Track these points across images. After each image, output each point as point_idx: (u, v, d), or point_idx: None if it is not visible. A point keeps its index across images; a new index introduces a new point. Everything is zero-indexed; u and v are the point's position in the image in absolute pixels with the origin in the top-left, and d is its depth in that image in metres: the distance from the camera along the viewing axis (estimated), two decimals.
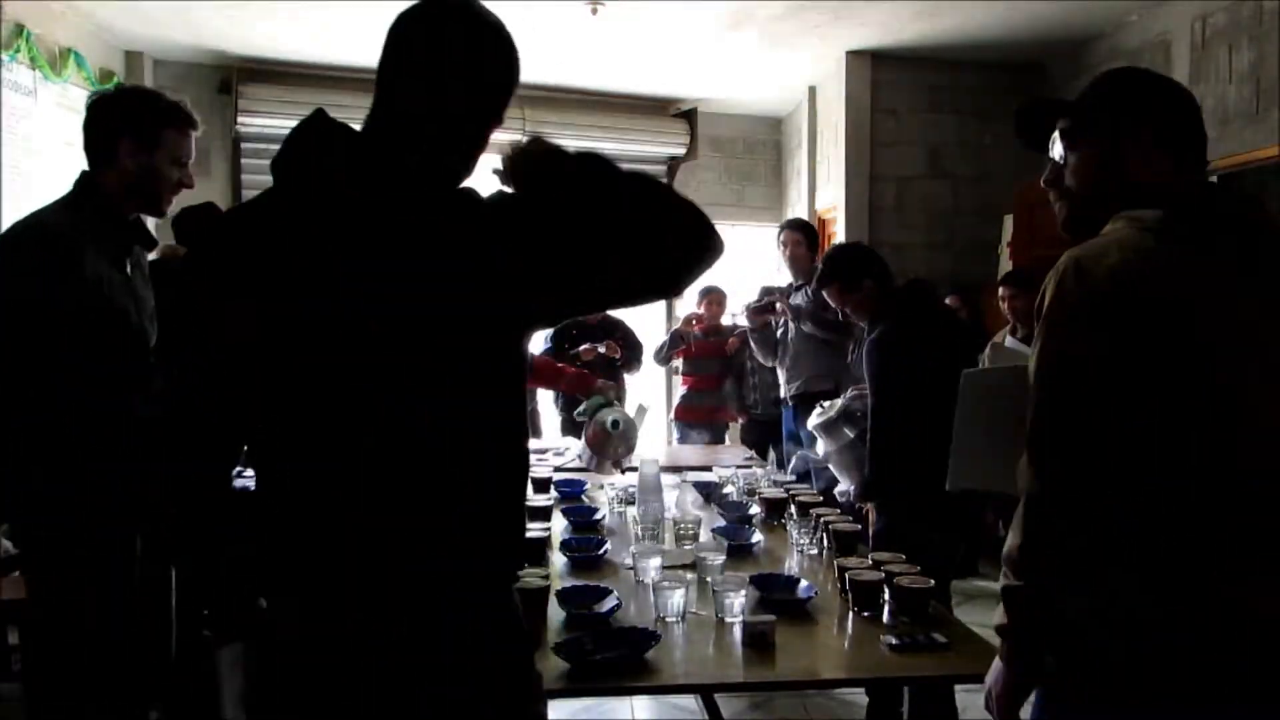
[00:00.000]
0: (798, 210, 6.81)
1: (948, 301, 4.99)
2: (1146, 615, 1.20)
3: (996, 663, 1.37)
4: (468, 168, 1.23)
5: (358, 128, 1.19)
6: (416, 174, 1.15)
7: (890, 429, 2.80)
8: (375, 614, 1.11)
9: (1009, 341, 4.30)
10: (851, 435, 3.02)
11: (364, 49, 5.59)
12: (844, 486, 3.13)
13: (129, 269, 2.03)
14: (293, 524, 1.13)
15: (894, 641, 1.86)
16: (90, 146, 2.01)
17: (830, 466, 3.28)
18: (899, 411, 2.78)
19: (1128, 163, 1.32)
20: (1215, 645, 1.17)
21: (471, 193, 1.18)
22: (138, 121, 1.99)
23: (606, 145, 6.53)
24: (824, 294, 3.09)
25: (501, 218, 1.16)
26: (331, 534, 1.11)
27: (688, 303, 6.39)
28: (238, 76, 5.81)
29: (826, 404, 3.22)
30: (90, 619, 1.92)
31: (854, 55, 5.66)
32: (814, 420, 3.19)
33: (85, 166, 2.03)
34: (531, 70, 6.13)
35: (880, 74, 5.73)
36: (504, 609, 1.21)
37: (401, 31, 1.19)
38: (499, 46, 1.22)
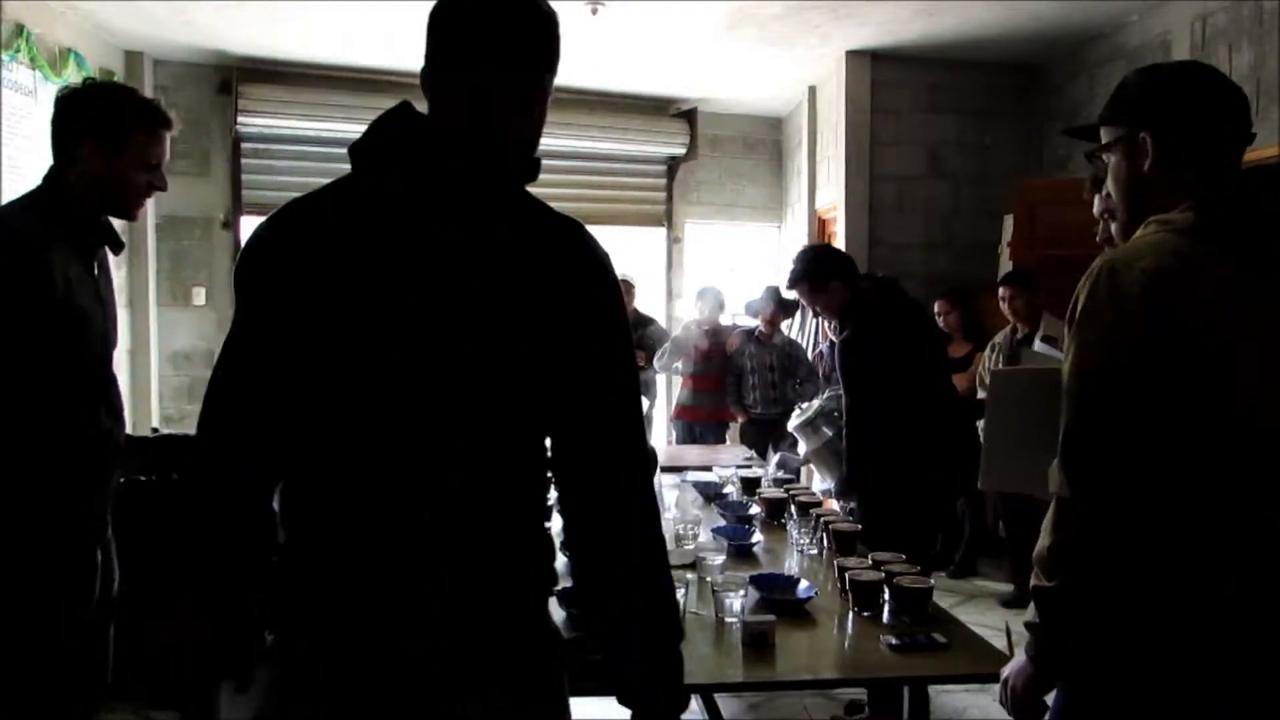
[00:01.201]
0: (798, 210, 6.81)
1: (936, 306, 4.99)
2: (1181, 619, 1.20)
3: (1020, 657, 1.37)
4: (528, 146, 1.21)
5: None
6: (481, 176, 1.14)
7: (865, 426, 2.88)
8: (405, 627, 1.08)
9: (1039, 346, 4.30)
10: (830, 434, 3.10)
11: (364, 49, 5.61)
12: (825, 484, 3.22)
13: (95, 270, 1.95)
14: (323, 535, 1.11)
15: (894, 641, 1.86)
16: (56, 144, 1.91)
17: (812, 465, 3.37)
18: (873, 409, 2.88)
19: (1145, 170, 1.33)
20: (1250, 651, 1.17)
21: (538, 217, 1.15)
22: (106, 124, 1.88)
23: (606, 145, 6.53)
24: (794, 292, 3.23)
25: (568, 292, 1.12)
26: (365, 544, 1.09)
27: (685, 303, 6.39)
28: (238, 76, 5.81)
29: (805, 405, 3.31)
30: (48, 631, 1.87)
31: (854, 55, 5.66)
32: (794, 421, 3.30)
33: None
34: None
35: (880, 74, 5.73)
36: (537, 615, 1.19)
37: (438, 25, 1.20)
38: (531, 19, 1.19)
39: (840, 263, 3.13)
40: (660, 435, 5.98)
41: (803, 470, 5.02)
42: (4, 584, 1.85)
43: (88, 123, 1.89)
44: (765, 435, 5.06)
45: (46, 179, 1.93)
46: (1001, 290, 4.40)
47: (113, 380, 2.00)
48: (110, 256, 2.06)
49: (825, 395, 3.24)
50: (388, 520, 1.08)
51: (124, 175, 1.91)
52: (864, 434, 2.89)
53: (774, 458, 4.24)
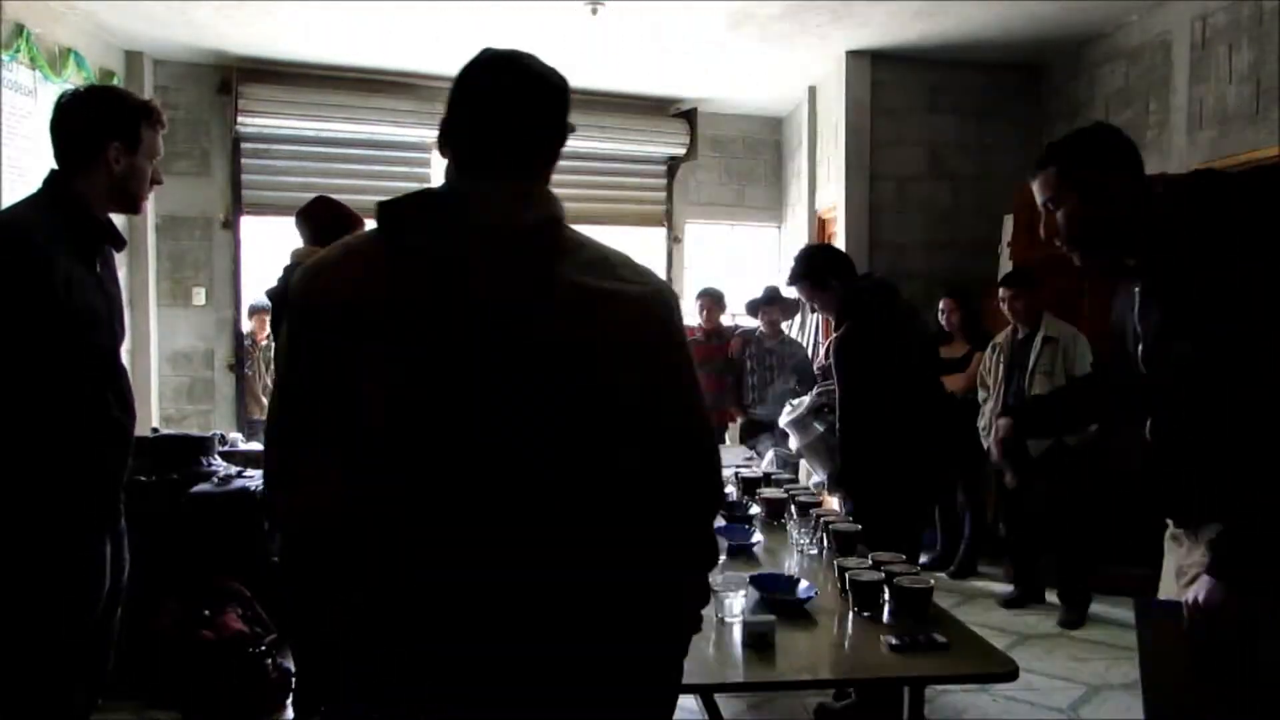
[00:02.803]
0: (798, 210, 6.81)
1: (940, 304, 4.99)
2: None
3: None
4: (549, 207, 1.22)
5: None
6: (521, 229, 1.14)
7: (857, 422, 2.99)
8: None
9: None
10: (821, 429, 3.19)
11: (364, 49, 5.61)
12: (818, 478, 3.34)
13: (98, 268, 1.99)
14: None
15: (894, 641, 1.86)
16: (71, 148, 1.96)
17: (803, 460, 3.51)
18: (865, 405, 2.98)
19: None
20: None
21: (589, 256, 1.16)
22: (122, 123, 1.96)
23: (606, 145, 6.53)
24: (795, 290, 3.35)
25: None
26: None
27: (686, 304, 6.39)
28: (238, 76, 5.81)
29: (795, 401, 3.41)
30: (58, 625, 1.88)
31: (854, 55, 5.66)
32: (785, 418, 3.39)
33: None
34: None
35: (880, 74, 5.73)
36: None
37: (467, 88, 1.20)
38: (553, 97, 1.22)
39: (839, 262, 3.22)
40: None
41: (801, 465, 5.03)
42: (13, 575, 1.87)
43: (110, 125, 1.96)
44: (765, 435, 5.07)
45: (48, 181, 1.97)
46: (1001, 290, 4.39)
47: (122, 373, 2.04)
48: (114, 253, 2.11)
49: (815, 391, 3.33)
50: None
51: (143, 170, 2.00)
52: (856, 428, 2.97)
53: (768, 454, 4.29)
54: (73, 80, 4.78)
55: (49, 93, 4.60)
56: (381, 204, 1.15)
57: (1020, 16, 4.96)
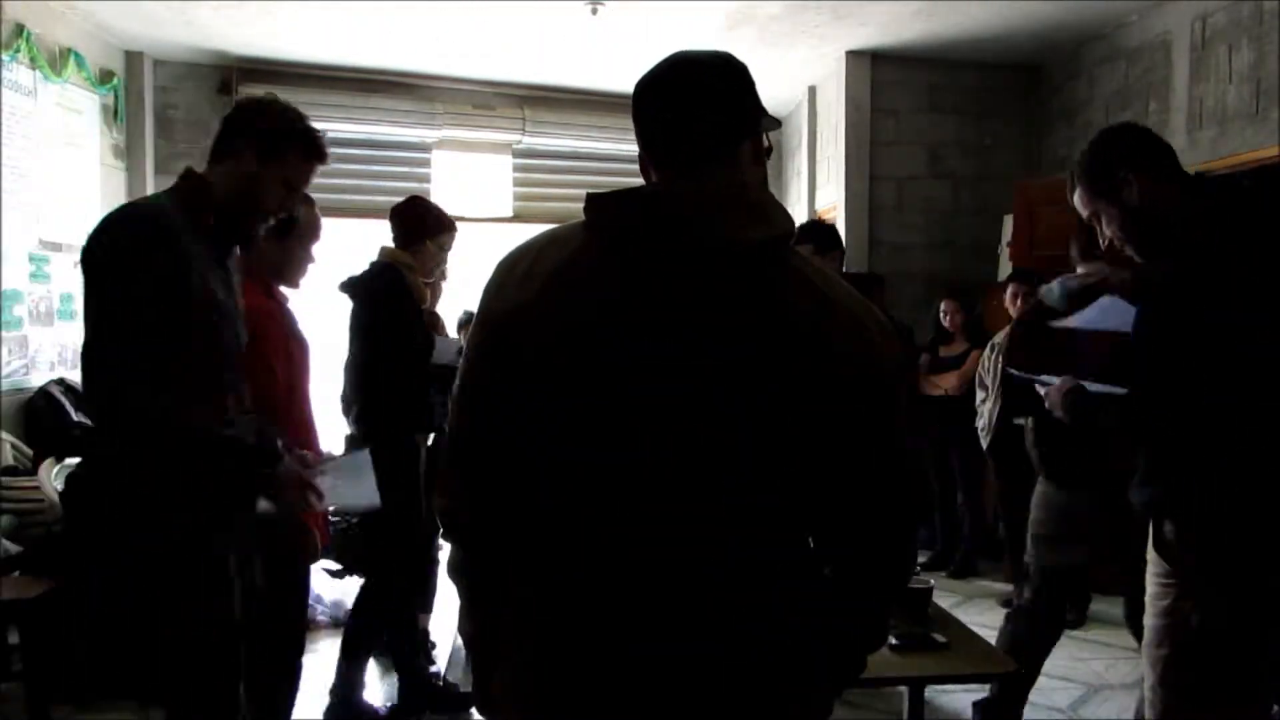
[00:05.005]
0: (797, 211, 6.81)
1: (943, 305, 5.00)
2: None
3: None
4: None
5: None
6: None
7: None
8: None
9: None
10: None
11: (364, 49, 5.60)
12: None
13: (229, 269, 1.98)
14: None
15: (894, 641, 1.86)
16: (216, 145, 1.95)
17: None
18: None
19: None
20: None
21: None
22: (265, 133, 1.94)
23: (606, 145, 6.52)
24: None
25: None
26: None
27: None
28: (238, 76, 5.81)
29: None
30: (197, 627, 1.86)
31: (854, 55, 5.66)
32: None
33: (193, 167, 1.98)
34: (531, 70, 6.14)
35: (880, 74, 5.73)
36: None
37: (648, 91, 1.17)
38: (733, 81, 1.18)
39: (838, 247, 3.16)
40: None
41: None
42: (161, 577, 1.83)
43: (253, 130, 1.94)
44: None
45: (184, 177, 1.94)
46: (1011, 287, 4.38)
47: (243, 375, 2.00)
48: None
49: None
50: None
51: (266, 183, 1.94)
52: None
53: None
54: (73, 80, 4.78)
55: (49, 93, 4.61)
56: (591, 197, 1.12)
57: (1020, 16, 4.97)
